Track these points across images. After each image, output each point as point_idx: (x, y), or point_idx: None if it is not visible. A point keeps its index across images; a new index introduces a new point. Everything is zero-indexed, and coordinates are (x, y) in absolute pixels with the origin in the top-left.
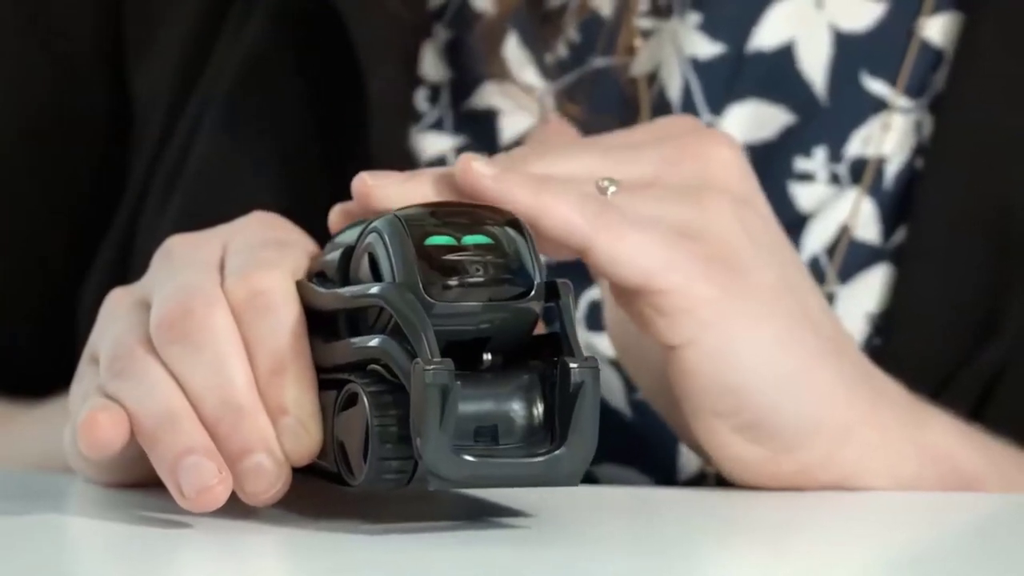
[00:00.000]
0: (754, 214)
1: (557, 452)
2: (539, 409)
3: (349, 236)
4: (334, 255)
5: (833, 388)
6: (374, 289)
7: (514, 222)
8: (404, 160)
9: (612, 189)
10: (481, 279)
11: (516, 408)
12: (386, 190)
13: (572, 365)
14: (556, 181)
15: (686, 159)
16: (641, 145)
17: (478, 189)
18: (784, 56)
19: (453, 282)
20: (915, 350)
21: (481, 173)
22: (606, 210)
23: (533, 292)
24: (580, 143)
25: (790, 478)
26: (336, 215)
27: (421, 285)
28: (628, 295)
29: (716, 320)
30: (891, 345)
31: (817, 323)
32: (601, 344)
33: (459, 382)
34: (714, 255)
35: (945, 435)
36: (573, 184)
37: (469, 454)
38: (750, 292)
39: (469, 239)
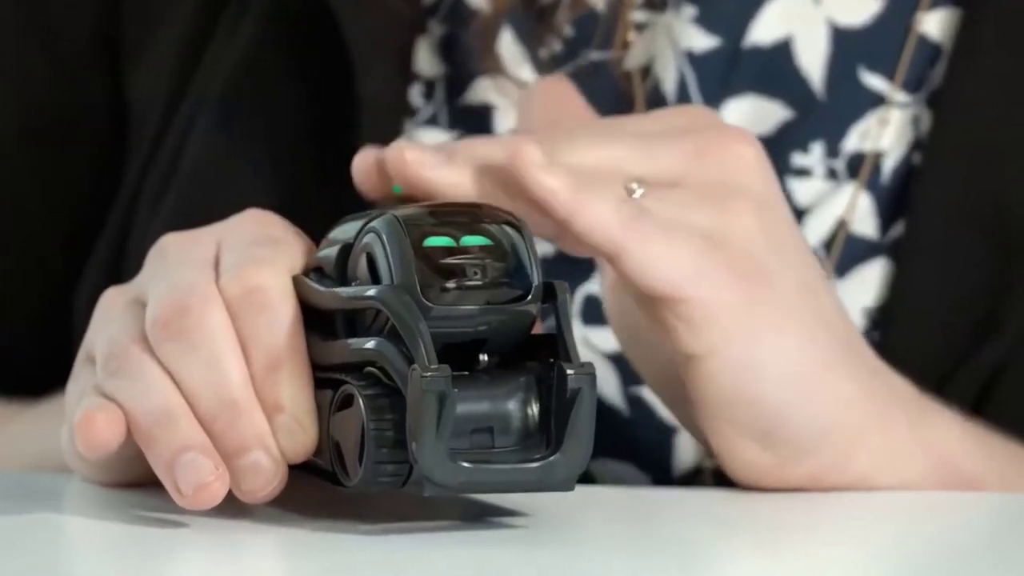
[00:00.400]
0: (775, 217)
1: (552, 458)
2: (535, 410)
3: (347, 232)
4: (331, 251)
5: (846, 394)
6: (371, 291)
7: (513, 222)
8: None
9: (640, 192)
10: (479, 282)
11: (512, 409)
12: (424, 171)
13: (569, 372)
14: (591, 180)
15: (709, 157)
16: (664, 136)
17: (525, 176)
18: (781, 51)
19: (451, 285)
20: (913, 345)
21: (532, 161)
22: (639, 217)
23: (531, 295)
24: (602, 129)
25: (799, 482)
26: (362, 162)
27: (419, 288)
28: (651, 301)
29: (741, 331)
30: (888, 340)
31: (832, 325)
32: (597, 338)
33: (456, 388)
34: (739, 263)
35: (947, 433)
36: (607, 185)
37: (465, 460)
38: (773, 300)
39: (468, 240)
